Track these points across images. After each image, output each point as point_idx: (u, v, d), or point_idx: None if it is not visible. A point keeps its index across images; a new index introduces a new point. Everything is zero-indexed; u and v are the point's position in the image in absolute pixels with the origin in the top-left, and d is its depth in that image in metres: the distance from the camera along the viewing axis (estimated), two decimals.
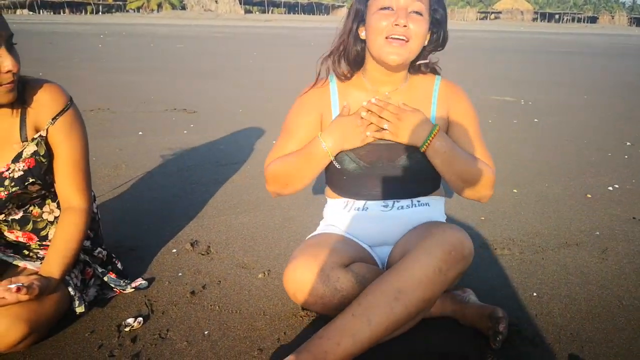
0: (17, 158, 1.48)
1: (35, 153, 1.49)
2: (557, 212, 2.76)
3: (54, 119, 1.51)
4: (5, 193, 1.48)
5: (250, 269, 2.03)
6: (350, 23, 1.54)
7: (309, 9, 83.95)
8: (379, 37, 1.44)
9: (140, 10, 79.68)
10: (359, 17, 1.52)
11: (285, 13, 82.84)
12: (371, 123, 1.49)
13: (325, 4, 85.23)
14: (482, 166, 1.52)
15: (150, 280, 1.89)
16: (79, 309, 1.57)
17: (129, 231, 2.34)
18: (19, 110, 1.48)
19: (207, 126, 4.63)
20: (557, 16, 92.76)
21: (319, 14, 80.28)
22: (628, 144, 4.40)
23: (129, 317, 1.64)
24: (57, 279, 1.49)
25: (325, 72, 1.61)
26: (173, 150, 3.74)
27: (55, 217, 1.65)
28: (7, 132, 1.48)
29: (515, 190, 3.09)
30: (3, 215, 1.56)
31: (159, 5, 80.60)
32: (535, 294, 1.89)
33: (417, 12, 1.43)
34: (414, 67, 1.60)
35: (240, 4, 74.40)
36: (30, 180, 1.49)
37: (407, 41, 1.43)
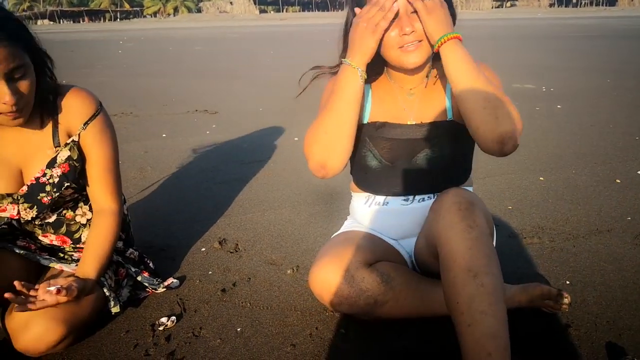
0: (51, 163, 1.52)
1: (69, 158, 1.53)
2: (586, 198, 2.71)
3: (85, 124, 1.54)
4: (49, 198, 1.52)
5: (279, 265, 2.04)
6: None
7: (323, 5, 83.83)
8: (392, 50, 1.41)
9: (157, 15, 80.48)
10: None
11: (300, 11, 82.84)
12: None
13: None
14: (509, 100, 1.35)
15: (181, 280, 1.91)
16: (115, 309, 1.59)
17: (158, 232, 2.36)
18: (50, 117, 1.51)
19: (229, 126, 4.66)
20: (574, 0, 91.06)
21: (334, 10, 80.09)
22: None
23: (163, 317, 1.66)
24: (93, 280, 1.52)
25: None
26: (197, 151, 3.77)
27: (88, 220, 1.67)
28: (41, 139, 1.52)
29: (541, 178, 3.04)
30: (39, 219, 1.59)
31: (175, 9, 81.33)
32: (568, 282, 1.86)
33: (417, 10, 1.39)
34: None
35: (255, 4, 74.62)
36: (66, 184, 1.53)
37: (420, 41, 1.40)
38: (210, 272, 1.99)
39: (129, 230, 1.84)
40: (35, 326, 1.36)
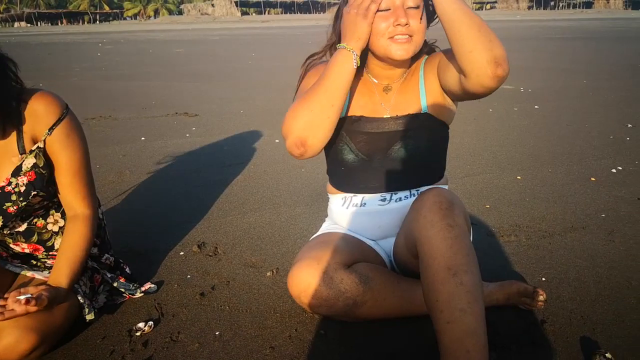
0: (16, 172, 1.47)
1: (34, 165, 1.48)
2: (562, 196, 2.75)
3: (51, 129, 1.48)
4: (15, 208, 1.48)
5: (259, 268, 2.04)
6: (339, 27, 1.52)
7: (305, 8, 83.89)
8: (382, 38, 1.43)
9: (138, 17, 79.80)
10: None
11: (281, 13, 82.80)
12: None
13: (321, 1, 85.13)
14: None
15: (159, 284, 1.90)
16: (89, 317, 1.57)
17: (136, 236, 2.35)
18: (15, 122, 1.46)
19: (209, 128, 4.64)
20: (552, 3, 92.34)
21: (315, 12, 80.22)
22: (629, 125, 4.39)
23: (140, 322, 1.65)
24: (65, 288, 1.49)
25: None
26: (176, 154, 3.75)
27: (60, 228, 1.64)
28: (5, 146, 1.47)
29: (519, 177, 3.08)
30: (7, 228, 1.56)
31: (156, 12, 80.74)
32: (544, 279, 1.89)
33: (413, 7, 1.42)
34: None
35: (237, 6, 74.41)
36: (33, 193, 1.48)
37: (411, 36, 1.42)
38: (189, 276, 1.98)
39: (104, 235, 1.81)
40: (6, 336, 1.33)
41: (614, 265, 1.97)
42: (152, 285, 1.84)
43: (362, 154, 1.55)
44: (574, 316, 1.65)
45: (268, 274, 1.98)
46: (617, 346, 1.50)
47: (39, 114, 1.47)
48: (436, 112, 1.54)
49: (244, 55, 13.13)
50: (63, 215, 1.63)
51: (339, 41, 1.50)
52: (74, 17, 76.72)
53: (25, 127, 1.47)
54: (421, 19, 1.43)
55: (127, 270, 1.83)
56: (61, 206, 1.62)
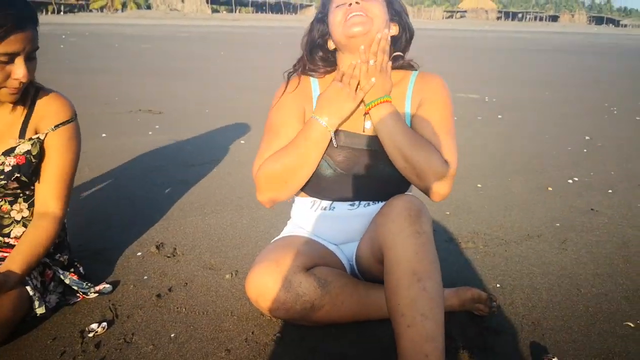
0: (8, 152, 1.53)
1: (27, 152, 1.54)
2: (519, 205, 2.82)
3: (57, 126, 1.58)
4: None
5: (218, 270, 2.02)
6: (314, 32, 1.60)
7: (276, 8, 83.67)
8: (340, 27, 1.47)
9: (104, 9, 78.20)
10: (322, 29, 1.59)
11: (253, 12, 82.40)
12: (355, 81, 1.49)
13: (293, 3, 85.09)
14: (431, 152, 1.44)
15: (115, 284, 1.86)
16: (40, 310, 1.53)
17: (93, 235, 2.30)
18: (25, 110, 1.56)
19: (173, 127, 4.59)
20: (520, 15, 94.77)
21: (287, 13, 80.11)
22: (587, 138, 4.53)
23: (93, 323, 1.61)
24: (17, 275, 1.46)
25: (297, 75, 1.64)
26: (138, 152, 3.68)
27: (23, 217, 1.64)
28: (8, 127, 1.55)
29: (479, 185, 3.15)
30: None
31: (124, 5, 79.24)
32: (498, 285, 1.93)
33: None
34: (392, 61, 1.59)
35: (208, 3, 73.73)
36: (17, 175, 1.53)
37: (368, 17, 1.45)
38: (145, 277, 1.95)
39: (64, 237, 1.79)
40: None
41: (565, 273, 2.03)
42: (107, 286, 1.80)
43: (341, 170, 1.55)
44: (526, 322, 1.70)
45: (227, 276, 1.96)
46: (564, 351, 1.55)
47: (50, 110, 1.58)
48: (417, 128, 1.55)
49: (212, 54, 13.03)
50: (29, 207, 1.65)
51: (309, 56, 1.58)
52: (37, 6, 74.58)
53: (33, 117, 1.57)
54: (382, 10, 1.48)
55: (81, 269, 1.79)
56: (30, 198, 1.64)
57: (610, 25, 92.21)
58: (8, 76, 1.41)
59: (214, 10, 75.90)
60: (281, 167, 1.50)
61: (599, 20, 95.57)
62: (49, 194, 1.60)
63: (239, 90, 6.89)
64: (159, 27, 32.14)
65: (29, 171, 1.54)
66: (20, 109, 1.56)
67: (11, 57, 1.38)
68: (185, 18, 55.32)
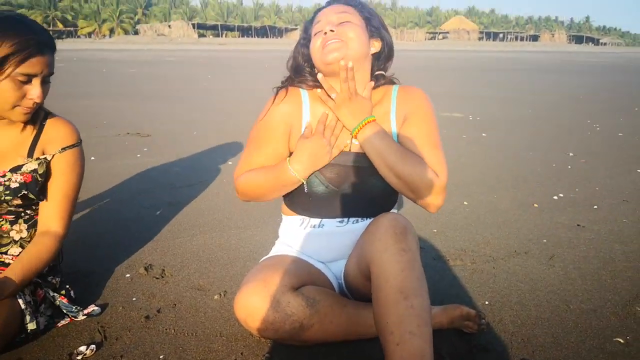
0: (16, 169, 1.60)
1: (34, 171, 1.61)
2: (506, 222, 2.85)
3: (64, 149, 1.67)
4: None
5: (206, 290, 2.02)
6: (299, 57, 1.65)
7: (262, 32, 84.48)
8: (317, 53, 1.53)
9: (92, 35, 78.44)
10: (305, 51, 1.63)
11: (239, 37, 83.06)
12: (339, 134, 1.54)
13: (278, 27, 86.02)
14: (421, 166, 1.48)
15: (103, 307, 1.85)
16: (31, 326, 1.54)
17: (82, 257, 2.28)
18: (35, 131, 1.65)
19: (161, 150, 4.59)
20: (501, 35, 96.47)
21: (273, 37, 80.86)
22: (571, 154, 4.60)
23: (82, 345, 1.60)
24: (14, 283, 1.49)
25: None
26: (126, 175, 3.68)
27: (21, 238, 1.68)
28: (17, 146, 1.63)
29: (465, 203, 3.17)
30: None
31: (111, 31, 79.60)
32: (487, 302, 1.94)
33: (345, 22, 1.53)
34: (374, 80, 1.63)
35: (194, 28, 74.22)
36: (24, 192, 1.59)
37: (343, 41, 1.50)
38: (134, 299, 1.93)
39: (58, 260, 1.81)
40: None
41: (553, 290, 2.05)
42: (96, 308, 1.79)
43: (333, 186, 1.57)
44: (515, 339, 1.70)
45: (215, 297, 1.96)
46: None
47: (58, 133, 1.68)
48: (405, 143, 1.58)
49: (199, 77, 13.08)
50: (28, 229, 1.69)
51: (296, 74, 1.63)
52: None
53: (42, 138, 1.65)
54: (358, 31, 1.53)
55: (72, 294, 1.78)
56: (31, 219, 1.69)
57: (590, 43, 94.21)
58: (24, 96, 1.50)
59: (201, 35, 76.38)
60: (255, 187, 1.58)
61: (578, 39, 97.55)
62: (52, 212, 1.66)
63: (226, 113, 6.91)
64: (147, 51, 32.25)
65: (36, 189, 1.60)
66: (30, 129, 1.64)
67: (29, 78, 1.48)
68: (172, 43, 55.60)
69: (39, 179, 1.62)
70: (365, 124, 1.51)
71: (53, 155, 1.66)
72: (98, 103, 7.63)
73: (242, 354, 1.60)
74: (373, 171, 1.54)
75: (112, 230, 2.64)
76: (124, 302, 1.90)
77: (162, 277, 2.12)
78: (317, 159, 1.51)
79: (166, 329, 1.73)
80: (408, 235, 1.38)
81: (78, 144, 1.72)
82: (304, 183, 1.55)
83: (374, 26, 1.60)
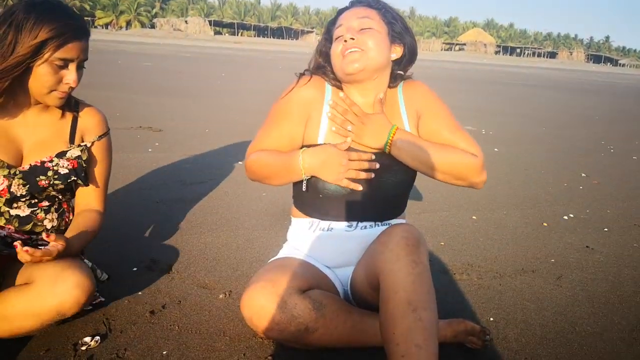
0: (61, 154, 1.65)
1: (78, 157, 1.67)
2: (514, 239, 2.83)
3: (100, 137, 1.75)
4: (47, 182, 1.61)
5: (212, 289, 2.02)
6: (320, 58, 1.66)
7: (278, 33, 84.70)
8: (337, 59, 1.54)
9: (109, 27, 78.94)
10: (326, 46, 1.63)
11: (255, 36, 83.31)
12: (353, 165, 1.51)
13: (294, 29, 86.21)
14: (458, 153, 1.54)
15: (109, 299, 1.85)
16: (104, 277, 1.71)
17: (90, 248, 2.27)
18: (72, 116, 1.70)
19: (172, 145, 4.60)
20: (518, 50, 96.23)
21: (289, 39, 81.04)
22: (583, 175, 4.57)
23: (86, 336, 1.61)
24: (74, 244, 1.56)
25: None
26: (137, 169, 3.69)
27: (53, 226, 1.70)
28: (59, 131, 1.67)
29: (474, 217, 3.16)
30: (15, 205, 1.62)
31: (128, 23, 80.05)
32: (492, 319, 1.93)
33: (366, 29, 1.53)
34: (392, 80, 1.65)
35: (210, 25, 74.52)
36: (73, 178, 1.65)
37: (363, 50, 1.50)
38: (140, 293, 1.94)
39: None
40: (63, 291, 1.41)
41: (559, 310, 2.03)
42: (102, 299, 1.80)
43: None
44: (519, 357, 1.69)
45: (220, 296, 1.96)
46: None
47: (94, 121, 1.74)
48: (433, 138, 1.61)
49: (214, 75, 13.13)
50: (59, 217, 1.72)
51: (324, 63, 1.63)
52: None
53: (79, 126, 1.71)
54: (378, 38, 1.53)
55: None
56: (59, 208, 1.72)
57: (608, 64, 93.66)
58: (60, 80, 1.53)
59: (217, 32, 76.75)
60: (263, 167, 1.58)
61: (597, 59, 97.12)
62: (92, 196, 1.75)
63: (239, 111, 6.93)
64: (162, 46, 32.42)
65: (82, 174, 1.67)
66: (68, 116, 1.69)
67: (65, 63, 1.52)
68: (188, 38, 55.82)
69: (84, 165, 1.69)
70: (392, 138, 1.52)
71: (93, 143, 1.73)
72: (113, 95, 7.67)
73: (244, 354, 1.60)
74: (385, 168, 1.55)
75: (120, 224, 2.65)
76: (130, 296, 1.91)
77: (169, 273, 2.13)
78: (326, 168, 1.49)
79: (170, 325, 1.74)
80: (420, 248, 1.38)
81: (109, 131, 1.80)
82: (304, 181, 1.54)
83: (396, 32, 1.60)
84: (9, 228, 1.61)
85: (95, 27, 77.44)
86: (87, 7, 79.26)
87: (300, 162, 1.50)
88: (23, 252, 1.36)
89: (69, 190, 1.73)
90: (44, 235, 1.41)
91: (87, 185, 1.71)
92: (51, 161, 1.63)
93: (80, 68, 1.58)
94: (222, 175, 3.68)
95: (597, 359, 1.72)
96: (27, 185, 1.58)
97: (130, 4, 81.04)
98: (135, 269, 2.14)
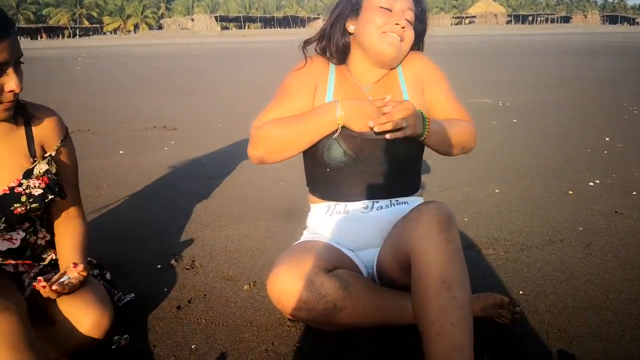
0: (28, 174, 1.48)
1: (47, 172, 1.51)
2: (539, 210, 2.77)
3: (62, 141, 1.58)
4: (23, 209, 1.46)
5: (236, 281, 2.01)
6: (339, 15, 1.62)
7: (285, 23, 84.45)
8: (375, 31, 1.53)
9: (118, 31, 79.51)
10: (350, 10, 1.60)
11: (261, 28, 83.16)
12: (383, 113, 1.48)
13: (301, 17, 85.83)
14: (464, 126, 1.63)
15: (135, 297, 1.86)
16: (124, 299, 1.73)
17: (113, 249, 2.30)
18: (23, 127, 1.50)
19: (187, 142, 4.61)
20: (530, 18, 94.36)
21: (295, 27, 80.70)
22: (607, 139, 4.46)
23: (116, 335, 1.61)
24: (82, 260, 1.52)
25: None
26: (154, 168, 3.71)
27: (47, 241, 1.63)
28: (15, 145, 1.48)
29: (497, 190, 3.11)
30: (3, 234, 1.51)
31: (136, 26, 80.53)
32: (521, 292, 1.89)
33: (409, 21, 1.56)
34: None
35: (217, 21, 74.55)
36: (50, 197, 1.50)
37: (403, 41, 1.54)
38: (165, 289, 1.94)
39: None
40: (88, 317, 1.41)
41: (591, 279, 1.98)
42: (132, 297, 1.80)
43: (351, 152, 1.53)
44: (551, 329, 1.65)
45: (245, 287, 1.95)
46: (594, 359, 1.50)
47: (50, 125, 1.55)
48: (422, 103, 1.63)
49: (223, 70, 13.14)
50: (48, 230, 1.64)
51: (328, 33, 1.63)
52: (54, 31, 76.20)
53: (35, 134, 1.52)
54: (412, 37, 1.59)
55: (108, 276, 1.77)
56: (45, 221, 1.64)
57: (625, 23, 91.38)
58: (1, 90, 1.33)
59: (224, 28, 76.76)
60: (280, 135, 1.52)
61: (612, 19, 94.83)
62: (69, 201, 1.63)
63: (251, 105, 6.90)
64: (171, 45, 32.55)
65: (56, 189, 1.52)
66: (20, 126, 1.49)
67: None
68: (196, 36, 55.97)
69: (55, 178, 1.52)
70: (429, 123, 1.50)
71: (56, 151, 1.56)
72: (125, 97, 7.72)
73: (272, 343, 1.60)
74: (387, 142, 1.52)
75: (140, 223, 2.66)
76: (155, 293, 1.91)
77: (192, 267, 2.13)
78: (362, 115, 1.46)
79: (197, 319, 1.74)
80: (452, 225, 1.36)
81: (68, 132, 1.62)
82: (338, 130, 1.50)
83: (418, 32, 1.65)
84: (26, 265, 1.54)
85: (104, 33, 78.03)
86: (95, 15, 79.90)
87: (337, 109, 1.48)
88: (49, 291, 1.34)
89: (46, 206, 1.58)
90: (72, 280, 1.40)
91: (63, 198, 1.56)
92: (20, 185, 1.45)
93: (17, 69, 1.35)
94: (238, 169, 3.68)
95: (632, 325, 1.67)
96: (3, 218, 1.45)
97: (136, 7, 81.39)
98: (159, 266, 2.14)
